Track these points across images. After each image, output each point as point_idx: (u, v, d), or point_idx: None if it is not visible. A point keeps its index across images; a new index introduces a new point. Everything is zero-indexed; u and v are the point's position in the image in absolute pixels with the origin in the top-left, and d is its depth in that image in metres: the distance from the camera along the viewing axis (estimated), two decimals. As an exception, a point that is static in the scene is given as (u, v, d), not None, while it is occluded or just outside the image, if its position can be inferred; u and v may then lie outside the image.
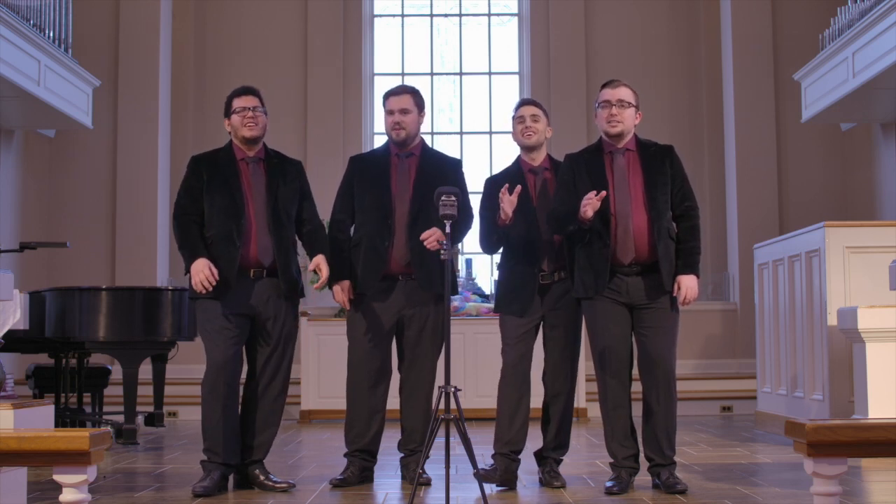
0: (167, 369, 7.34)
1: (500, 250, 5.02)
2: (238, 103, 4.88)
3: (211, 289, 4.65)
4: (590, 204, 4.48)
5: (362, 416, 4.96)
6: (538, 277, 4.85)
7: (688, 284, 4.64)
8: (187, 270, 4.74)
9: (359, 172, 5.06)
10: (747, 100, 10.74)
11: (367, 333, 4.94)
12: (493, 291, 9.72)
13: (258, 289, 4.79)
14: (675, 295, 4.65)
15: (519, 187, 4.71)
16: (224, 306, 4.73)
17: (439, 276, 4.83)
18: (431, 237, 4.72)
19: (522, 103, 5.04)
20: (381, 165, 5.03)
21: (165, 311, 6.75)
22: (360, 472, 4.96)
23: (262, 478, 4.80)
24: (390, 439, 5.25)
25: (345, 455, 5.04)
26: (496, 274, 5.11)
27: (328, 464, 5.74)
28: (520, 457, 4.90)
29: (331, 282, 5.03)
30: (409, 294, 4.93)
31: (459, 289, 8.64)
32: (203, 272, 4.63)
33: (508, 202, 4.67)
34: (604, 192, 4.53)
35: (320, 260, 4.86)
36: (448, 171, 5.02)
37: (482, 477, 4.34)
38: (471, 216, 5.03)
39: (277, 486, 4.77)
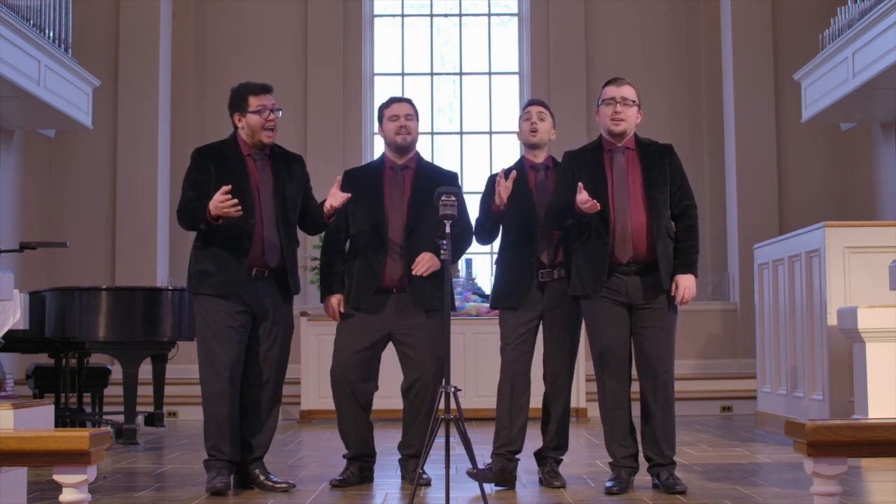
0: (167, 369, 7.34)
1: (498, 248, 5.03)
2: (257, 102, 4.77)
3: (239, 207, 4.51)
4: (589, 205, 4.48)
5: (349, 424, 4.96)
6: (537, 273, 4.86)
7: (685, 284, 4.64)
8: (205, 222, 4.60)
9: (352, 187, 5.02)
10: (747, 100, 10.74)
11: (349, 344, 4.92)
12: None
13: (260, 288, 4.77)
14: (672, 294, 4.65)
15: (514, 173, 4.74)
16: (227, 304, 4.70)
17: (431, 292, 4.85)
18: (422, 264, 4.76)
19: (531, 103, 5.05)
20: (375, 179, 5.02)
21: (165, 311, 6.75)
22: (359, 472, 4.96)
23: (262, 478, 4.79)
24: (390, 439, 5.25)
25: (344, 456, 5.04)
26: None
27: (328, 464, 5.74)
28: (518, 457, 4.90)
29: (322, 295, 5.05)
30: (402, 307, 4.92)
31: (458, 295, 8.66)
32: (220, 204, 4.49)
33: (504, 188, 4.70)
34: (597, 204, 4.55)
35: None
36: (444, 183, 4.98)
37: (476, 477, 4.34)
38: (469, 231, 5.02)
39: (277, 486, 4.76)
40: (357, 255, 4.95)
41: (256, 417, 4.82)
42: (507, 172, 4.78)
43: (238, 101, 4.83)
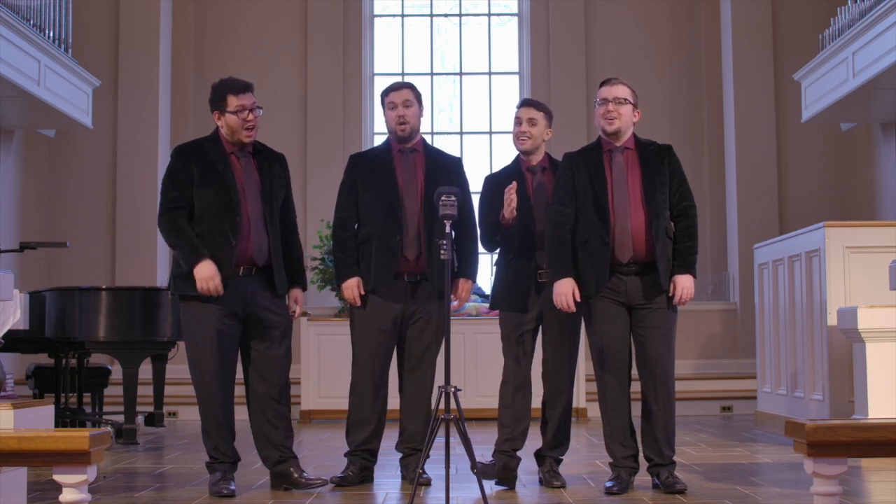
0: (167, 369, 7.34)
1: (498, 250, 5.05)
2: (236, 102, 4.72)
3: (221, 289, 4.56)
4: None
5: (365, 417, 4.94)
6: (535, 275, 4.86)
7: (683, 284, 4.64)
8: (188, 268, 4.60)
9: (361, 170, 5.01)
10: (747, 100, 10.74)
11: (373, 334, 4.91)
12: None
13: (250, 287, 4.72)
14: (671, 295, 4.65)
15: (514, 184, 4.75)
16: (217, 308, 4.63)
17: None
18: (460, 300, 5.00)
19: (522, 104, 5.05)
20: (384, 162, 5.00)
21: (165, 311, 6.75)
22: (360, 471, 4.96)
23: (296, 475, 4.74)
24: (390, 439, 5.24)
25: (345, 455, 5.03)
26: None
27: (328, 464, 5.73)
28: (519, 454, 4.90)
29: (338, 280, 5.00)
30: (416, 291, 4.92)
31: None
32: (213, 281, 4.54)
33: (512, 205, 4.71)
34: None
35: (298, 295, 4.88)
36: (451, 168, 5.04)
37: (481, 472, 4.33)
38: (474, 221, 5.02)
39: (311, 483, 4.72)
40: (373, 238, 4.91)
41: (278, 418, 4.78)
42: (497, 176, 4.84)
43: (217, 100, 4.77)
